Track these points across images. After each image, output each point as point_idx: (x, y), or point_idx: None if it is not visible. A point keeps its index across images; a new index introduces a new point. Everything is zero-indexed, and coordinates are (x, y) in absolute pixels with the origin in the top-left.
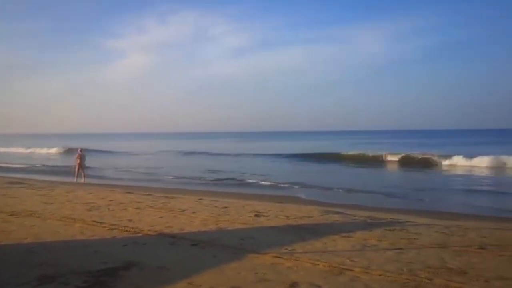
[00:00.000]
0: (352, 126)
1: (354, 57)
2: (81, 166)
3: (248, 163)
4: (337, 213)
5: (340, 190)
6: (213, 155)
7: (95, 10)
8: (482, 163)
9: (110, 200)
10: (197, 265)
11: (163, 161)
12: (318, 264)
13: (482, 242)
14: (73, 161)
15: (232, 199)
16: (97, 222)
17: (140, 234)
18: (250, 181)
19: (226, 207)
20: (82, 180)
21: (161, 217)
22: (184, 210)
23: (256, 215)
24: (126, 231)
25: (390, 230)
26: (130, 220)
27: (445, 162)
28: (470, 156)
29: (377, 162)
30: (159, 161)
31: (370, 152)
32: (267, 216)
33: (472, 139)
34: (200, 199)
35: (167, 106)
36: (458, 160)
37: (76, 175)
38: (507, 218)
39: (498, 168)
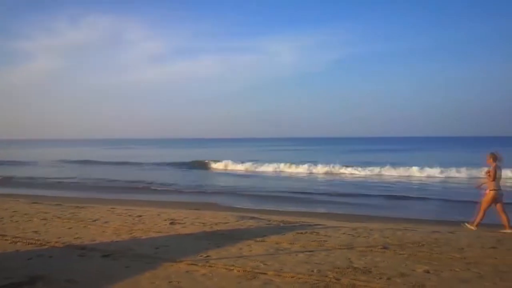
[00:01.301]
0: (265, 134)
1: (268, 67)
2: None
3: (149, 171)
4: (252, 218)
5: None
6: (114, 164)
7: None
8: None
9: (14, 211)
10: (108, 277)
11: (58, 170)
12: (232, 270)
13: (385, 242)
14: None
15: (147, 208)
16: None
17: (46, 247)
18: (158, 188)
19: (140, 216)
20: None
21: (70, 228)
22: (95, 220)
23: (171, 223)
24: (31, 243)
25: (301, 233)
26: (35, 232)
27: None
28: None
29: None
30: (57, 170)
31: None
32: (183, 223)
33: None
34: (112, 208)
35: (76, 111)
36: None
37: None
38: (407, 219)
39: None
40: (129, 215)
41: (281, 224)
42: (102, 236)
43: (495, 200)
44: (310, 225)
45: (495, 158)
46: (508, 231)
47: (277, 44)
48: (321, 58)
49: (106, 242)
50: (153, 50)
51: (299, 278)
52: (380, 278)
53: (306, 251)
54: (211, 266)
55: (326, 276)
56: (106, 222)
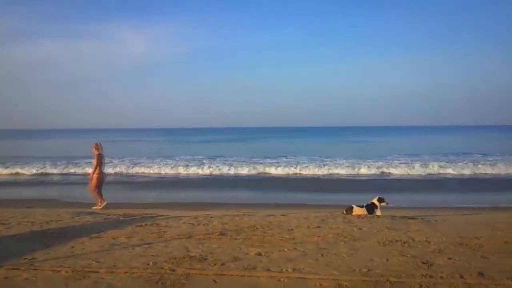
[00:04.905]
0: (114, 125)
1: (116, 55)
2: None
3: None
4: (90, 213)
5: None
6: None
7: None
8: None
9: None
10: None
11: None
12: (60, 271)
13: (223, 228)
14: None
15: None
16: None
17: None
18: None
19: None
20: None
21: None
22: None
23: None
24: None
25: (141, 225)
26: None
27: None
28: None
29: None
30: None
31: None
32: (7, 224)
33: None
34: None
35: None
36: None
37: None
38: (244, 205)
39: None
40: None
41: (121, 218)
42: None
43: (101, 181)
44: (152, 216)
45: (98, 147)
46: (99, 207)
47: (124, 32)
48: (171, 49)
49: None
50: None
51: (133, 273)
52: (215, 265)
53: (144, 244)
54: (36, 269)
55: (162, 268)
56: None
